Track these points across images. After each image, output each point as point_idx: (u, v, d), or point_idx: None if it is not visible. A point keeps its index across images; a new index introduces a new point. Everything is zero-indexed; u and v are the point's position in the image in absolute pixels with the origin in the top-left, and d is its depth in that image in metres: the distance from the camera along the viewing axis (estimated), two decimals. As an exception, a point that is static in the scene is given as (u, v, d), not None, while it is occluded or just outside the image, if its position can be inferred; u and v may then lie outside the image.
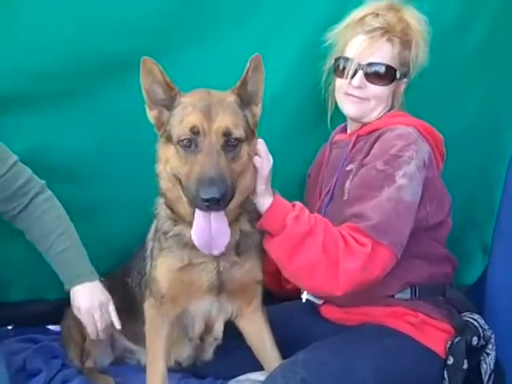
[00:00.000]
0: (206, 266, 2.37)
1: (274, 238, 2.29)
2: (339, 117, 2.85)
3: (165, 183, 2.29)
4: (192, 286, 2.42)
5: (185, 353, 2.69)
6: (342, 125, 2.87)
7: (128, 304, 2.79)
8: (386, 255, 2.26)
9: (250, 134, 2.24)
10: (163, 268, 2.42)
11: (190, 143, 2.11)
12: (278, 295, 3.00)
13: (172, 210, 2.34)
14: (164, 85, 2.22)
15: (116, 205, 3.08)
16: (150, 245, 2.60)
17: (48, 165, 2.92)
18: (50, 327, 3.31)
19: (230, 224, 2.22)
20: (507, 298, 2.68)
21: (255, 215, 2.37)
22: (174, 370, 2.71)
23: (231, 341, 2.65)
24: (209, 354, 2.70)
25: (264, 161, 2.26)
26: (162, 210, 2.43)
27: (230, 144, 2.13)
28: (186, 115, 2.15)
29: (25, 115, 2.87)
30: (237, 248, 2.38)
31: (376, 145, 2.47)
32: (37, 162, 2.85)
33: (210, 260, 2.35)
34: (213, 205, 2.02)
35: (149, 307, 2.51)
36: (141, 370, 2.82)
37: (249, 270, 2.45)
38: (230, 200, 2.10)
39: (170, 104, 2.24)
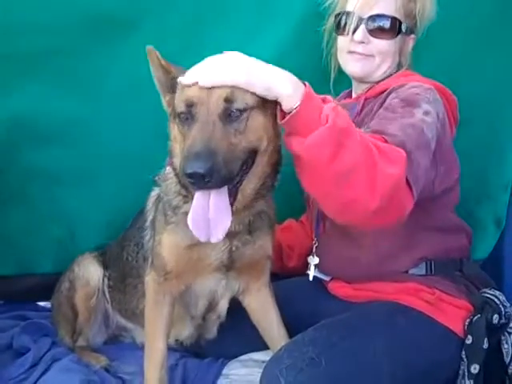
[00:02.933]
0: (217, 244, 2.17)
1: (309, 135, 1.78)
2: (342, 83, 2.68)
3: (177, 162, 2.09)
4: (200, 264, 2.26)
5: (186, 331, 2.55)
6: (347, 91, 2.70)
7: (123, 279, 2.66)
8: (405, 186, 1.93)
9: (269, 104, 1.89)
10: (169, 243, 2.25)
11: (187, 116, 1.89)
12: (279, 274, 2.83)
13: (185, 187, 2.15)
14: (161, 69, 2.04)
15: (111, 171, 2.96)
16: (149, 215, 2.45)
17: (39, 128, 2.85)
18: (40, 303, 3.19)
19: (245, 208, 2.07)
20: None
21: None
22: (174, 348, 2.59)
23: (233, 318, 2.52)
24: (212, 332, 2.58)
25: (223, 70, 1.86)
26: (172, 183, 2.23)
27: (233, 114, 1.85)
28: (186, 88, 1.93)
29: (15, 75, 2.76)
30: (249, 226, 2.21)
31: (388, 98, 2.27)
32: (28, 124, 2.81)
33: None
34: (197, 182, 1.75)
35: (150, 281, 2.34)
36: (136, 348, 2.74)
37: (260, 247, 2.30)
38: (226, 180, 1.82)
39: (171, 87, 2.04)
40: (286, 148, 1.90)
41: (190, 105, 1.87)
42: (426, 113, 2.11)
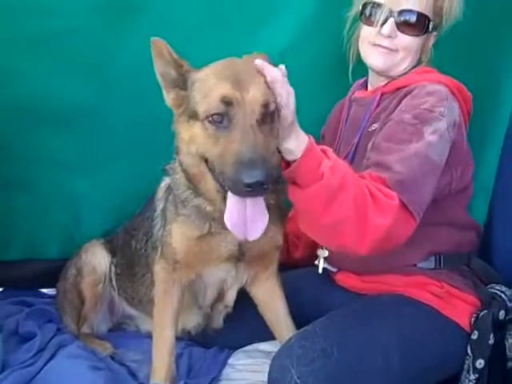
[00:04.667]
0: (228, 235, 2.19)
1: (305, 188, 1.96)
2: (359, 71, 2.67)
3: (186, 159, 2.07)
4: (211, 254, 2.26)
5: (193, 321, 2.55)
6: (361, 81, 2.69)
7: (131, 267, 2.66)
8: (406, 215, 2.05)
9: None
10: (180, 234, 2.24)
11: (222, 118, 1.85)
12: (285, 264, 2.80)
13: (193, 183, 2.14)
14: (173, 63, 2.00)
15: (119, 158, 2.94)
16: (159, 204, 2.44)
17: (47, 112, 2.81)
18: (43, 290, 3.18)
19: None
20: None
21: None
22: (181, 338, 2.57)
23: (239, 309, 2.52)
24: (219, 322, 2.57)
25: (283, 89, 1.91)
26: (181, 178, 2.21)
27: (266, 117, 1.87)
28: (210, 88, 1.89)
29: (24, 58, 2.72)
30: None
31: (404, 101, 2.30)
32: (35, 108, 2.78)
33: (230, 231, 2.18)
34: (257, 189, 1.75)
35: (159, 270, 2.34)
36: (140, 336, 2.74)
37: (270, 238, 2.30)
38: (274, 182, 1.91)
39: (182, 82, 2.01)
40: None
41: (228, 103, 1.84)
42: (434, 131, 2.15)
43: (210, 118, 1.87)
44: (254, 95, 1.85)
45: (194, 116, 1.94)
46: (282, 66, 1.97)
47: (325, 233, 2.06)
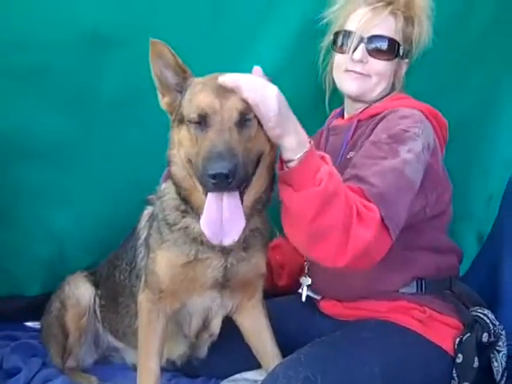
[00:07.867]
0: (212, 262, 2.21)
1: (300, 191, 1.93)
2: (336, 101, 2.72)
3: (178, 170, 2.10)
4: (195, 281, 2.26)
5: (178, 351, 2.53)
6: (338, 109, 2.74)
7: (115, 298, 2.64)
8: (382, 230, 2.04)
9: None
10: (165, 262, 2.24)
11: (200, 121, 1.93)
12: (269, 292, 2.79)
13: (185, 200, 2.15)
14: (176, 67, 2.06)
15: (100, 190, 2.94)
16: (142, 234, 2.44)
17: (28, 146, 2.83)
18: (28, 324, 3.14)
19: None
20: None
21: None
22: (165, 368, 2.56)
23: (224, 338, 2.50)
24: (203, 351, 2.56)
25: (250, 91, 1.90)
26: (169, 199, 2.24)
27: (244, 124, 1.93)
28: (194, 94, 1.98)
29: (3, 92, 2.74)
30: (244, 243, 2.22)
31: (379, 125, 2.33)
32: (16, 142, 2.79)
33: (217, 256, 2.20)
34: (221, 182, 1.78)
35: (144, 300, 2.33)
36: (126, 368, 2.72)
37: (255, 265, 2.31)
38: (243, 182, 1.89)
39: (182, 87, 2.07)
40: (278, 194, 2.03)
41: (202, 115, 1.92)
42: (410, 150, 2.17)
43: (191, 121, 1.94)
44: (233, 103, 1.91)
45: (182, 120, 2.01)
46: (257, 68, 2.03)
47: (309, 238, 2.01)
